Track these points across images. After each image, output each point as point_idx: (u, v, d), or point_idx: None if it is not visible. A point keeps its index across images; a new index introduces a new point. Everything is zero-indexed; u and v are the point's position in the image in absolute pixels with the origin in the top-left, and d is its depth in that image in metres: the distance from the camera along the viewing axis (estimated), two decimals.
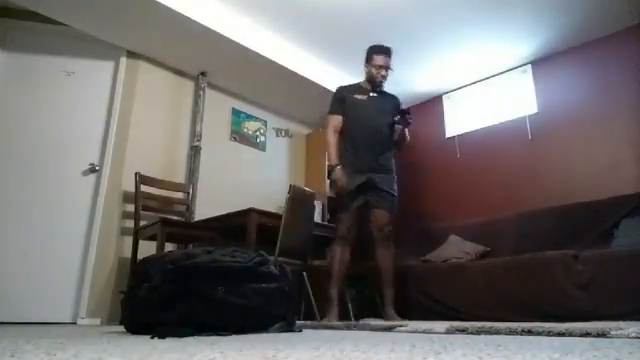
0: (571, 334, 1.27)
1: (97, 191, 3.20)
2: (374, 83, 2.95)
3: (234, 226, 3.16)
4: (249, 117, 4.31)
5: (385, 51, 2.94)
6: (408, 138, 3.00)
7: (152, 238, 2.98)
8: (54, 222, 3.07)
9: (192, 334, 1.22)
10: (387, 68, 2.93)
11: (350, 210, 2.79)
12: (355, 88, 2.99)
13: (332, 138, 2.90)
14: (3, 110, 3.16)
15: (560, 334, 1.29)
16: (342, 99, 2.95)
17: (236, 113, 4.22)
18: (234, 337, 1.20)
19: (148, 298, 1.37)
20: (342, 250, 2.78)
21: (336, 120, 2.94)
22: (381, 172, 2.82)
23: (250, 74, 3.88)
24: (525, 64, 4.11)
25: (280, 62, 3.73)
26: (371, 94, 2.95)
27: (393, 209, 2.85)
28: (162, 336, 1.15)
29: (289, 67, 3.79)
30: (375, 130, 2.85)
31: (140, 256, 2.91)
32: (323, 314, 2.88)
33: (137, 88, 3.51)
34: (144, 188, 3.23)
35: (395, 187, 2.88)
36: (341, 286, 2.81)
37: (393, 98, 3.03)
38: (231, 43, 3.43)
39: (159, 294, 1.35)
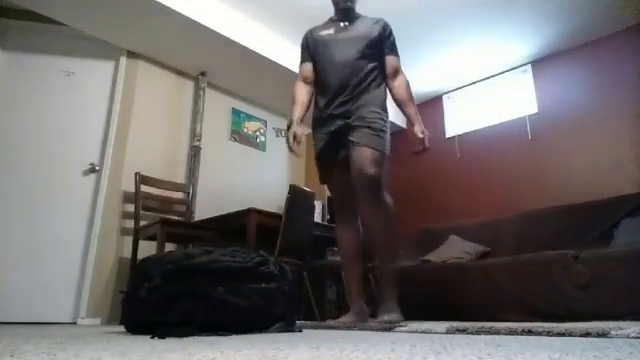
0: (571, 334, 1.27)
1: (97, 191, 3.20)
2: (340, 6, 2.34)
3: (234, 226, 3.16)
4: (249, 117, 4.32)
5: None
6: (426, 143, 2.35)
7: (152, 238, 2.98)
8: (54, 222, 3.07)
9: (192, 334, 1.22)
10: None
11: (334, 172, 2.25)
12: (323, 25, 2.41)
13: (297, 91, 2.34)
14: (3, 110, 3.16)
15: (560, 334, 1.29)
16: (307, 43, 2.40)
17: (236, 113, 4.22)
18: (234, 337, 1.20)
19: (148, 298, 1.37)
20: (345, 230, 2.27)
21: (304, 69, 2.38)
22: (356, 113, 2.18)
23: (250, 74, 3.88)
24: (525, 64, 4.11)
25: (280, 62, 3.73)
26: (341, 24, 2.33)
27: (379, 146, 2.12)
28: (162, 336, 1.15)
29: (289, 67, 3.80)
30: (346, 66, 2.22)
31: (140, 256, 2.92)
32: (323, 314, 2.85)
33: (137, 88, 3.51)
34: (144, 188, 3.23)
35: (383, 124, 2.18)
36: (359, 273, 2.27)
37: (375, 21, 2.34)
38: (231, 43, 3.43)
39: (159, 294, 1.35)
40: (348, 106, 2.18)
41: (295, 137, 2.20)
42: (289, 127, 2.24)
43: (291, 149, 2.21)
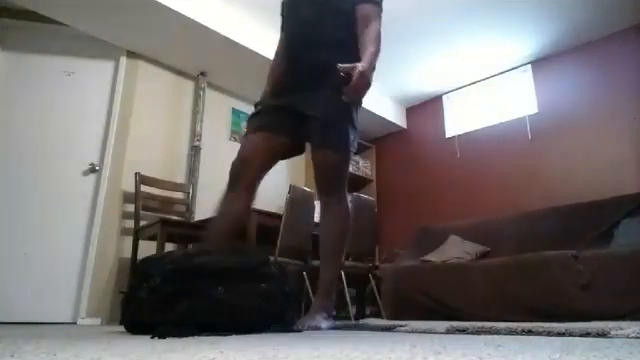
0: (571, 334, 1.27)
1: (97, 191, 3.20)
2: None
3: None
4: None
5: None
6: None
7: (152, 238, 2.98)
8: (54, 222, 3.07)
9: (192, 334, 1.22)
10: None
11: (258, 128, 1.84)
12: None
13: (271, 66, 2.06)
14: (3, 110, 3.16)
15: (560, 334, 1.29)
16: (282, 8, 2.11)
17: (236, 113, 4.22)
18: (234, 337, 1.20)
19: (148, 298, 1.37)
20: (227, 201, 1.85)
21: (279, 41, 2.09)
22: (315, 87, 1.79)
23: (250, 74, 3.87)
24: (525, 64, 4.12)
25: None
26: None
27: (342, 147, 1.82)
28: (162, 336, 1.15)
29: None
30: (306, 25, 1.88)
31: (140, 256, 2.92)
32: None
33: (137, 88, 3.51)
34: (144, 188, 3.23)
35: (339, 108, 1.76)
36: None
37: None
38: (231, 43, 3.43)
39: (159, 294, 1.35)
40: (305, 73, 1.84)
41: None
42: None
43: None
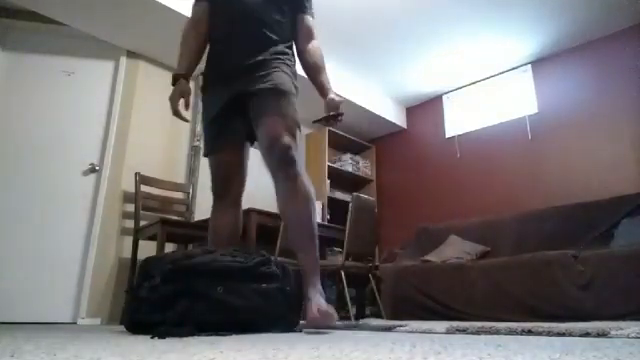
0: (571, 334, 1.28)
1: (97, 191, 3.21)
2: None
3: None
4: None
5: None
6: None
7: (152, 238, 2.98)
8: (54, 222, 3.07)
9: (192, 334, 1.22)
10: None
11: (218, 148, 1.90)
12: None
13: (186, 37, 1.96)
14: (3, 110, 3.16)
15: (560, 334, 1.29)
16: None
17: None
18: (234, 337, 1.20)
19: (148, 298, 1.37)
20: (217, 214, 1.97)
21: (197, 11, 1.95)
22: (259, 70, 1.79)
23: None
24: (525, 64, 4.12)
25: None
26: None
27: (292, 115, 1.80)
28: (162, 336, 1.15)
29: None
30: (248, 11, 1.83)
31: (140, 256, 2.92)
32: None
33: (137, 88, 3.51)
34: (144, 188, 3.23)
35: (285, 78, 1.81)
36: None
37: None
38: None
39: (159, 294, 1.35)
40: (247, 61, 1.79)
41: (182, 95, 1.80)
42: (174, 83, 1.84)
43: (176, 112, 1.80)
